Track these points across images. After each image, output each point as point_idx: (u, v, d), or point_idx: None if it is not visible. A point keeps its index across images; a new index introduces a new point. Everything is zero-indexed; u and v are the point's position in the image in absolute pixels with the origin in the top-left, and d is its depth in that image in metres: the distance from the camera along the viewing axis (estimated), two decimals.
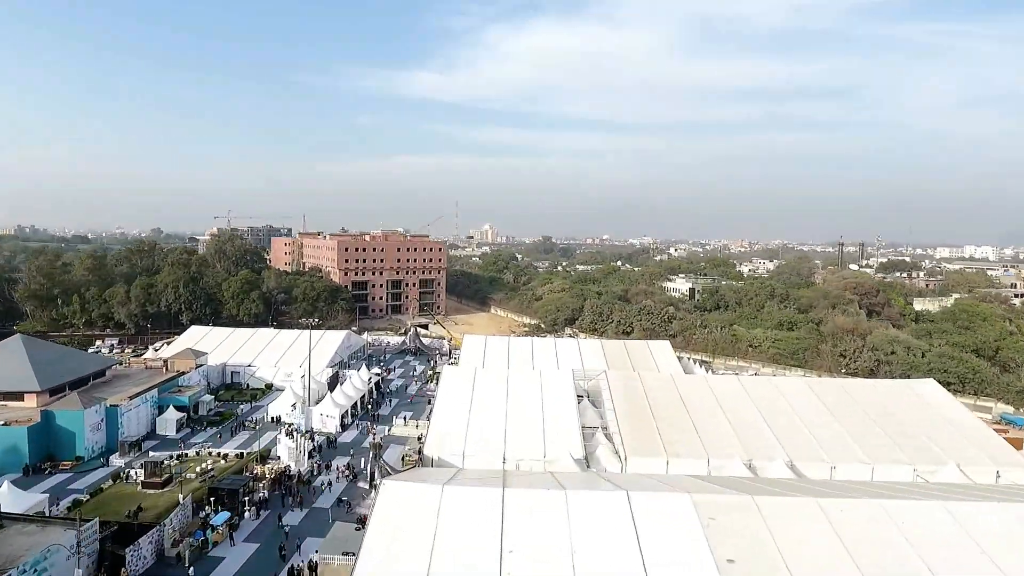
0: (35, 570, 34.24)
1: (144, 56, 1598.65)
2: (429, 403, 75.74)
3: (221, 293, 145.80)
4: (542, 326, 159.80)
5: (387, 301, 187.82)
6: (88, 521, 39.22)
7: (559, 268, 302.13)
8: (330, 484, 56.63)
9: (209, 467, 55.46)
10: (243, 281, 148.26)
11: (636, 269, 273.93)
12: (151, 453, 60.87)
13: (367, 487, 54.68)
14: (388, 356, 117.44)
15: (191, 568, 40.82)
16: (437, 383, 75.74)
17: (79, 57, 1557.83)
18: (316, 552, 41.98)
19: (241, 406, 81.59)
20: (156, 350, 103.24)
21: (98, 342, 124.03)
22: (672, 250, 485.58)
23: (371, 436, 70.19)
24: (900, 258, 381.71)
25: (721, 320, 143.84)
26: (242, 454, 60.18)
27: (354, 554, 33.54)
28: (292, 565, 41.66)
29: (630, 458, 53.81)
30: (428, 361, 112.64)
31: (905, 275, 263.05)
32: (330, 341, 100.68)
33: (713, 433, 57.66)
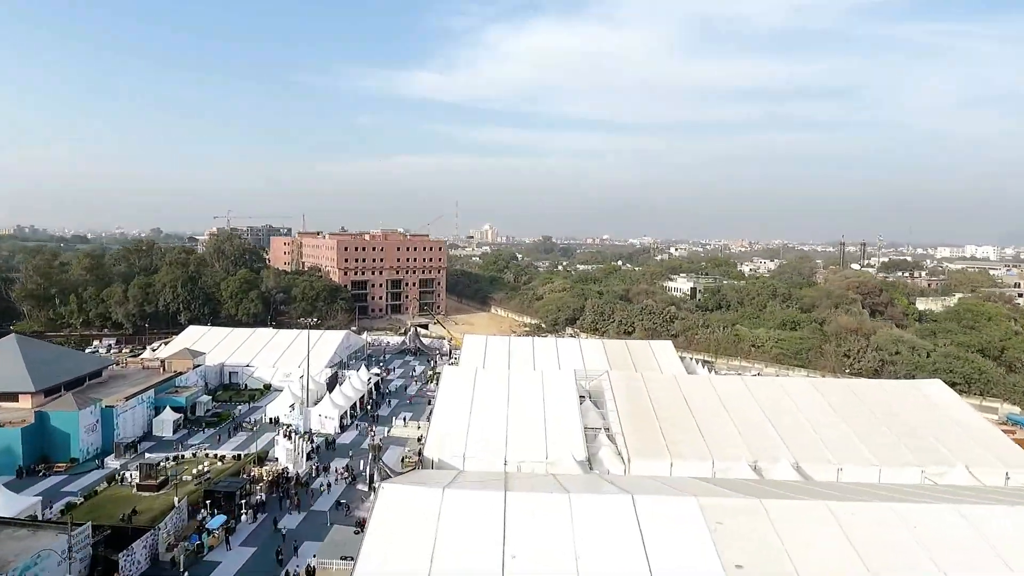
0: None
1: (144, 56, 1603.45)
2: (429, 404, 74.94)
3: (219, 293, 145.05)
4: (543, 326, 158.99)
5: (387, 301, 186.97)
6: (80, 525, 38.47)
7: (559, 268, 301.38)
8: (328, 486, 55.72)
9: (206, 469, 54.69)
10: (242, 281, 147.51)
11: (637, 269, 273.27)
12: (147, 455, 60.06)
13: (366, 489, 53.88)
14: (388, 356, 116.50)
15: (186, 573, 40.02)
16: (437, 383, 74.87)
17: (79, 57, 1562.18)
18: (314, 556, 41.33)
19: (239, 407, 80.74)
20: (153, 350, 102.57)
21: (95, 342, 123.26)
22: (672, 250, 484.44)
23: (370, 437, 69.30)
24: (901, 258, 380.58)
25: (723, 320, 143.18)
26: (239, 456, 59.35)
27: (352, 558, 32.91)
28: (289, 570, 41.00)
29: (633, 460, 52.98)
30: (428, 361, 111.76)
31: (907, 275, 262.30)
32: (329, 341, 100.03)
33: (717, 434, 56.81)
